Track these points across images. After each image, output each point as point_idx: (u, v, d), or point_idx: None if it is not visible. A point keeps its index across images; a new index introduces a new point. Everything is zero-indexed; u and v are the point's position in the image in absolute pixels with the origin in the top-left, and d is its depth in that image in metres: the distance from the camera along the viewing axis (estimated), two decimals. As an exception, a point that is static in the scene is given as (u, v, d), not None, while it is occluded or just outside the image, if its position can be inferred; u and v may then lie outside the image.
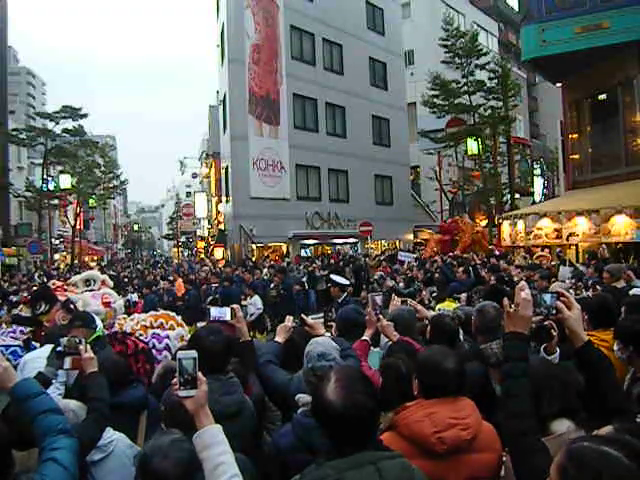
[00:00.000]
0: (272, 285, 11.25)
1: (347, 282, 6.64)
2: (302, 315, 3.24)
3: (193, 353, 1.74)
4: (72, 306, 5.26)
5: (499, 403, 2.00)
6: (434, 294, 7.87)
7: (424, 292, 7.50)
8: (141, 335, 4.46)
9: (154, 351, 4.31)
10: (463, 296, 6.12)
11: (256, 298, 9.72)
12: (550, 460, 1.66)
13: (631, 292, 5.01)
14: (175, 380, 1.70)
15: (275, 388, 2.74)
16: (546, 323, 2.32)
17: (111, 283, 7.22)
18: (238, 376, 2.59)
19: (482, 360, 2.88)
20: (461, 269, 9.04)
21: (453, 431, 1.91)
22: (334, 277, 6.60)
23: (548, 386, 1.97)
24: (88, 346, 2.52)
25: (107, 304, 5.56)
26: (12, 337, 4.71)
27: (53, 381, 2.73)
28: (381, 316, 3.25)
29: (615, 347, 2.76)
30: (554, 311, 2.03)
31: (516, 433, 1.71)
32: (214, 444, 1.63)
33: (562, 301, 2.01)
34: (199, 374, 1.71)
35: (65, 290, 6.19)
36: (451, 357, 2.09)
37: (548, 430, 1.91)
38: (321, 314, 7.19)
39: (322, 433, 1.58)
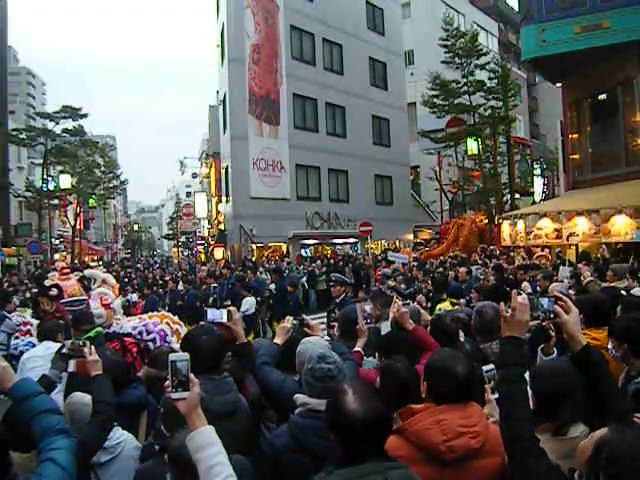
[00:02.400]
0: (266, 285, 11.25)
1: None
2: (304, 316, 3.24)
3: (185, 355, 1.74)
4: (55, 292, 5.30)
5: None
6: (430, 294, 7.85)
7: (421, 296, 7.48)
8: (142, 332, 4.46)
9: (151, 344, 4.31)
10: (462, 301, 6.13)
11: (245, 300, 9.54)
12: (547, 463, 1.66)
13: (632, 291, 5.02)
14: (167, 382, 1.70)
15: (269, 389, 2.75)
16: (544, 324, 2.32)
17: (113, 282, 7.22)
18: (234, 376, 2.59)
19: (484, 360, 2.87)
20: (463, 269, 9.03)
21: (463, 439, 1.89)
22: (335, 275, 6.61)
23: (573, 395, 1.94)
24: (93, 348, 2.52)
25: (107, 306, 5.58)
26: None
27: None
28: (398, 301, 3.26)
29: (610, 345, 2.76)
30: (552, 315, 2.03)
31: (512, 437, 1.71)
32: (208, 445, 1.63)
33: (560, 305, 2.00)
34: (191, 376, 1.71)
35: (64, 275, 6.21)
36: (462, 362, 2.05)
37: (563, 431, 1.90)
38: (320, 314, 7.21)
39: (337, 442, 1.61)
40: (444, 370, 2.02)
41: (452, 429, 1.89)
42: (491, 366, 2.30)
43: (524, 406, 1.73)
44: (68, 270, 6.54)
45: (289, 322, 3.13)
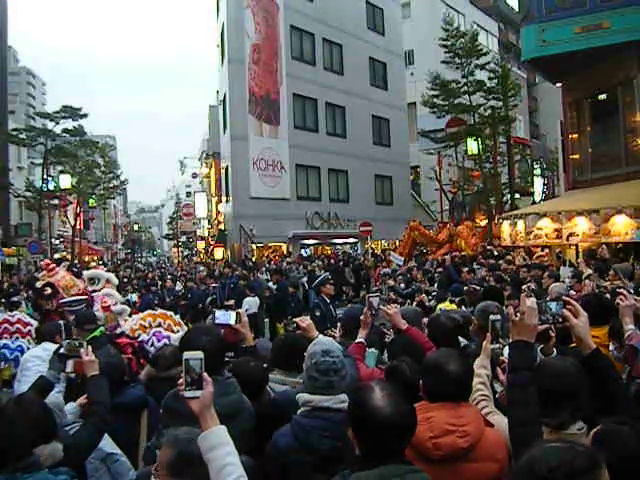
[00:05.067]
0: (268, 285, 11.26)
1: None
2: (295, 319, 3.23)
3: (200, 354, 1.73)
4: (49, 291, 5.30)
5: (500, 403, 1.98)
6: (433, 293, 7.88)
7: (423, 295, 7.48)
8: (140, 335, 4.47)
9: (153, 349, 4.32)
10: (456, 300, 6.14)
11: (246, 300, 9.49)
12: None
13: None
14: (181, 381, 1.69)
15: None
16: (545, 325, 2.33)
17: (116, 281, 7.25)
18: (252, 375, 2.60)
19: (490, 359, 2.86)
20: (466, 269, 9.07)
21: (450, 438, 1.88)
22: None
23: (577, 396, 1.92)
24: (89, 349, 2.52)
25: (106, 308, 5.56)
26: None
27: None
28: (389, 306, 3.24)
29: (611, 347, 2.77)
30: (560, 319, 2.03)
31: (521, 441, 1.69)
32: (220, 445, 1.62)
33: (568, 309, 2.00)
34: (205, 374, 1.70)
35: (50, 271, 6.21)
36: (456, 361, 2.05)
37: (563, 427, 1.90)
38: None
39: (356, 442, 1.57)
40: (437, 368, 2.03)
41: (439, 427, 1.89)
42: (498, 316, 2.34)
43: (533, 410, 1.73)
44: (53, 265, 6.51)
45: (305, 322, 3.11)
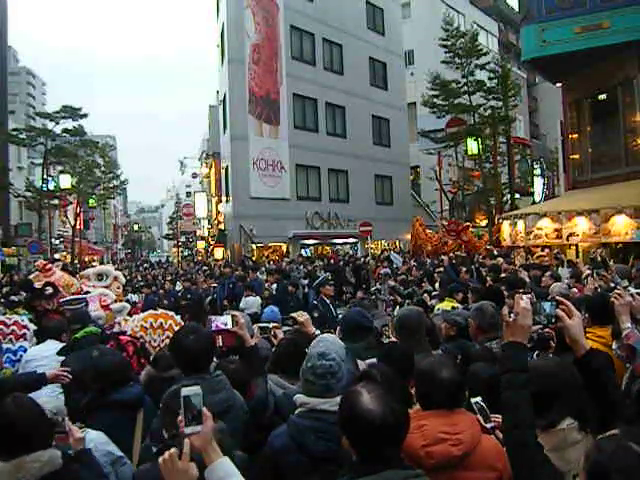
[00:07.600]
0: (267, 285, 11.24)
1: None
2: (292, 314, 3.22)
3: (198, 389, 1.69)
4: (50, 291, 5.29)
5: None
6: (433, 293, 7.87)
7: (425, 295, 7.47)
8: (142, 337, 4.47)
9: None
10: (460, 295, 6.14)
11: (245, 300, 9.49)
12: (552, 471, 1.64)
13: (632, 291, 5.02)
14: (180, 418, 1.66)
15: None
16: (547, 331, 2.30)
17: (123, 280, 7.24)
18: (238, 378, 2.58)
19: (493, 359, 2.85)
20: (464, 269, 9.05)
21: (443, 446, 1.85)
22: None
23: (563, 395, 1.92)
24: (71, 424, 2.34)
25: (106, 307, 5.57)
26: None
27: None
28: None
29: (614, 346, 2.77)
30: (554, 319, 2.00)
31: (517, 444, 1.69)
32: (227, 476, 1.62)
33: (562, 309, 1.97)
34: (204, 409, 1.67)
35: (48, 271, 6.20)
36: (448, 367, 2.03)
37: (553, 426, 1.90)
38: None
39: (353, 448, 1.55)
40: (428, 375, 2.01)
41: (432, 435, 1.87)
42: (479, 398, 2.21)
43: (528, 412, 1.71)
44: (50, 265, 6.51)
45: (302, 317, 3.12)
